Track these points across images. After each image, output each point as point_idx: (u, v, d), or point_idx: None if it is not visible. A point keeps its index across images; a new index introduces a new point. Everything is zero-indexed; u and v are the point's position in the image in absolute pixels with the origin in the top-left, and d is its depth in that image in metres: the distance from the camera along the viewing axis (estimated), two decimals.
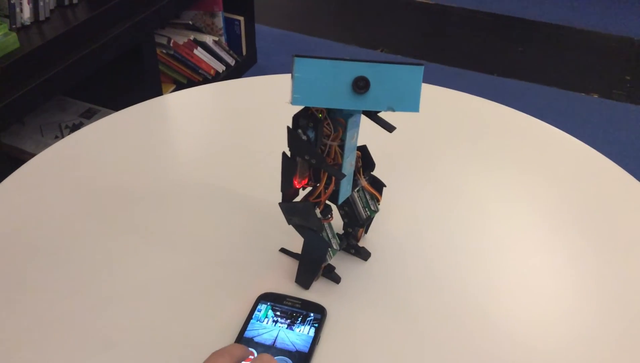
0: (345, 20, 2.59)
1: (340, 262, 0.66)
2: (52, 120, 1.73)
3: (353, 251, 0.66)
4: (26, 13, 1.38)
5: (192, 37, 1.98)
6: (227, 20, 2.12)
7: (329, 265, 0.64)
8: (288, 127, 0.55)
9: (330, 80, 0.50)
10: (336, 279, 0.64)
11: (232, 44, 2.17)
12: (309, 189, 0.60)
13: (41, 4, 1.40)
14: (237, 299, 0.61)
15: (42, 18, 1.41)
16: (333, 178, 0.57)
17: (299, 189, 0.59)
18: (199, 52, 2.00)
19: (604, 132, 1.98)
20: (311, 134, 0.55)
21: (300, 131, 0.54)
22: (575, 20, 2.56)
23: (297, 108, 0.55)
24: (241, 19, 2.12)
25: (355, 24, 2.55)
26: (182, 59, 1.96)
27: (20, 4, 1.36)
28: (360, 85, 0.51)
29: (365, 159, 0.62)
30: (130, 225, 0.70)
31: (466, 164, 0.80)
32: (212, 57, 2.05)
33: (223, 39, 2.11)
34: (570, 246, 0.69)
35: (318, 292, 0.63)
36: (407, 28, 2.53)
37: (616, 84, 2.21)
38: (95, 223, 0.70)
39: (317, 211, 0.57)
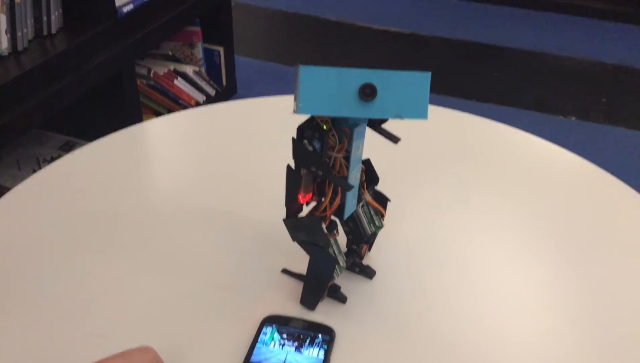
0: (323, 50, 2.60)
1: (345, 281, 0.63)
2: (29, 154, 1.68)
3: (357, 269, 0.64)
4: (4, 43, 1.34)
5: (172, 68, 1.96)
6: (206, 51, 2.11)
7: (334, 284, 0.62)
8: (293, 138, 0.53)
9: (336, 88, 0.49)
10: (342, 299, 0.61)
11: (212, 74, 2.15)
12: (312, 205, 0.58)
13: (19, 34, 1.37)
14: (240, 323, 0.58)
15: (20, 48, 1.38)
16: (339, 192, 0.55)
17: (303, 204, 0.57)
18: (179, 82, 1.98)
19: (583, 153, 2.00)
20: (317, 145, 0.53)
21: (306, 141, 0.52)
22: (550, 47, 2.61)
23: (301, 119, 0.53)
24: (221, 49, 2.11)
25: (334, 54, 2.57)
26: (162, 89, 1.94)
27: None
28: (367, 92, 0.49)
29: (369, 173, 0.60)
30: (125, 251, 0.67)
31: (470, 180, 0.78)
32: (193, 88, 2.04)
33: (203, 69, 2.10)
34: (582, 263, 0.67)
35: (324, 313, 0.60)
36: (384, 57, 2.55)
37: (593, 106, 2.25)
38: (86, 251, 0.67)
39: (323, 226, 0.55)
